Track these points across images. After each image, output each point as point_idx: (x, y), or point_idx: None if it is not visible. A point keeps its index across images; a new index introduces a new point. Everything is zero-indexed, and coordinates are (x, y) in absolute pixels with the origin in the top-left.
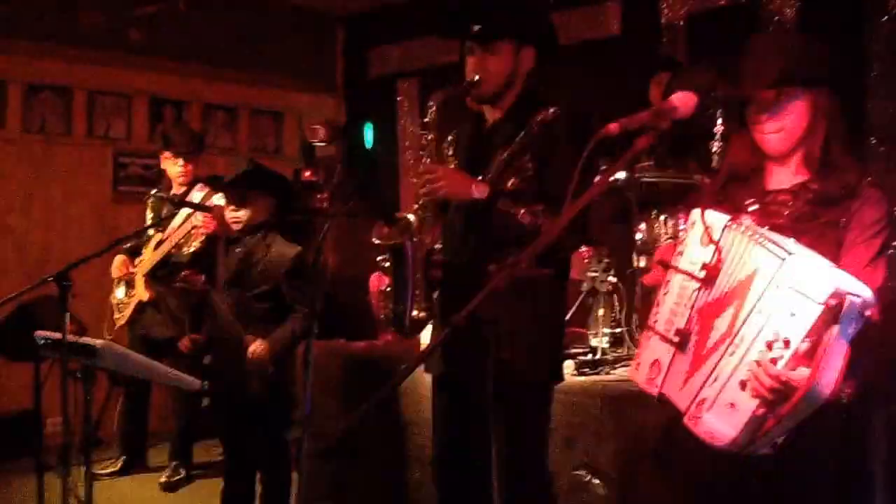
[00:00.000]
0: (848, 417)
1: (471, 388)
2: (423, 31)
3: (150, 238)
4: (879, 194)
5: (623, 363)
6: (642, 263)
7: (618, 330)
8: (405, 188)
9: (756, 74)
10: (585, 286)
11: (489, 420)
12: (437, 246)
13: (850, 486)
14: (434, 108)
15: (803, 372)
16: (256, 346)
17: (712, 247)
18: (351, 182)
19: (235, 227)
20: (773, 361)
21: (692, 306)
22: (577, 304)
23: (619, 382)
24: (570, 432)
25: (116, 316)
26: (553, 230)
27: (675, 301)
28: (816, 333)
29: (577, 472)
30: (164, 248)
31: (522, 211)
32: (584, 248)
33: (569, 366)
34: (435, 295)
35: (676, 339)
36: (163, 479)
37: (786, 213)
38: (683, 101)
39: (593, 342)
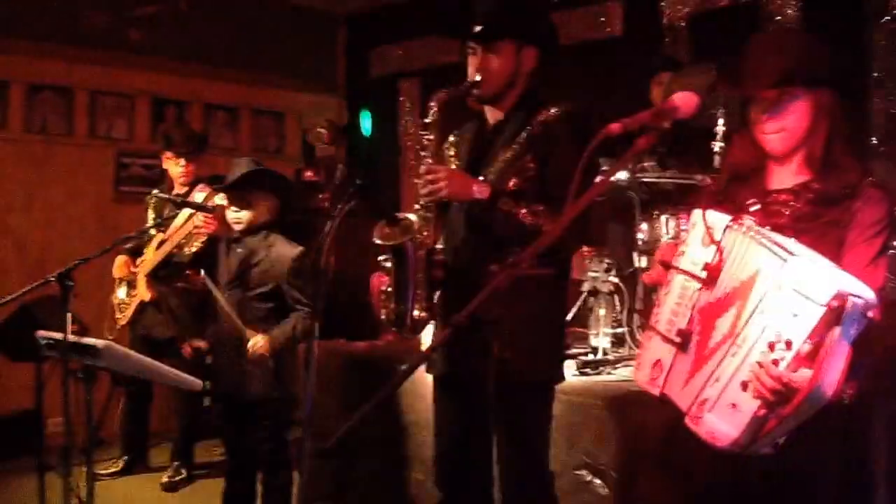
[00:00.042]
0: (849, 417)
1: (472, 388)
2: (424, 30)
3: (151, 238)
4: (881, 194)
5: (624, 363)
6: (643, 263)
7: (619, 330)
8: (406, 188)
9: (757, 74)
10: (587, 286)
11: (490, 420)
12: (439, 246)
13: (851, 486)
14: (435, 109)
15: (805, 373)
16: (257, 341)
17: (714, 247)
18: (352, 182)
19: (237, 227)
20: (775, 362)
21: (693, 307)
22: (578, 304)
23: (620, 382)
24: (571, 432)
25: (118, 316)
26: (554, 230)
27: (676, 301)
28: (818, 335)
29: (578, 472)
30: (166, 248)
31: (524, 211)
32: (585, 248)
33: (570, 366)
34: (436, 295)
35: (678, 340)
36: (164, 480)
37: (787, 212)
38: (685, 101)
39: (594, 342)
